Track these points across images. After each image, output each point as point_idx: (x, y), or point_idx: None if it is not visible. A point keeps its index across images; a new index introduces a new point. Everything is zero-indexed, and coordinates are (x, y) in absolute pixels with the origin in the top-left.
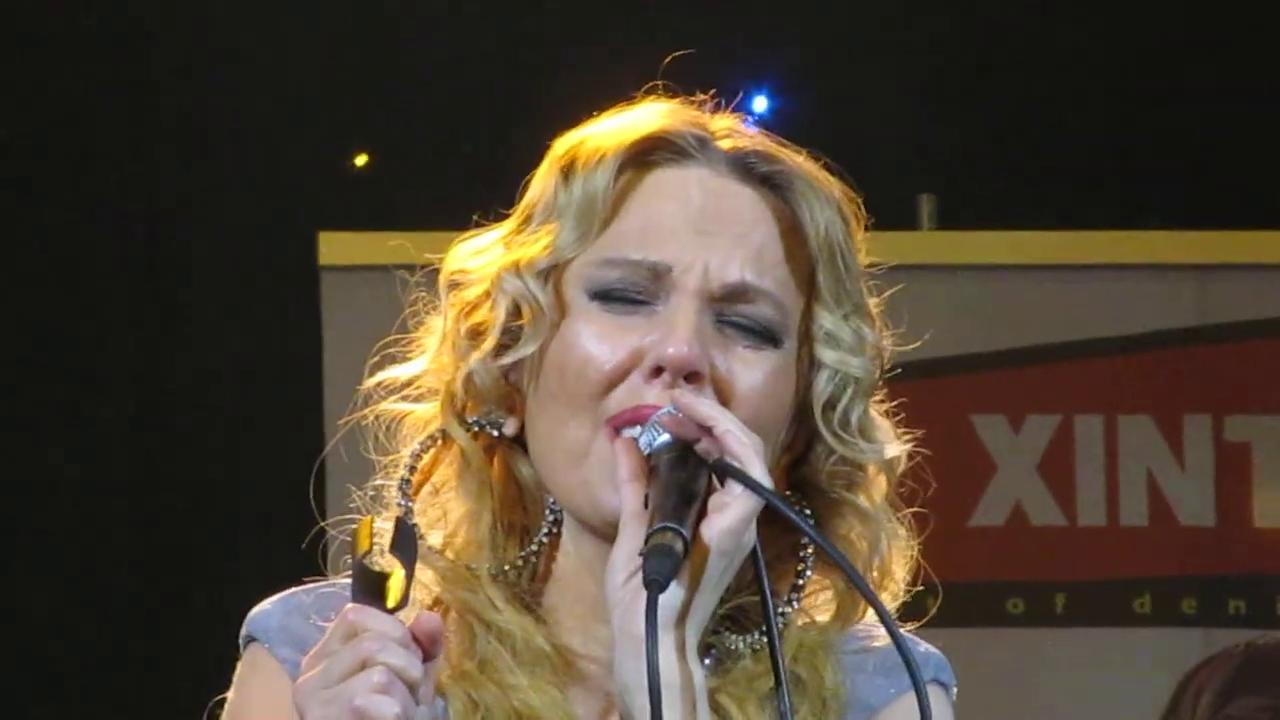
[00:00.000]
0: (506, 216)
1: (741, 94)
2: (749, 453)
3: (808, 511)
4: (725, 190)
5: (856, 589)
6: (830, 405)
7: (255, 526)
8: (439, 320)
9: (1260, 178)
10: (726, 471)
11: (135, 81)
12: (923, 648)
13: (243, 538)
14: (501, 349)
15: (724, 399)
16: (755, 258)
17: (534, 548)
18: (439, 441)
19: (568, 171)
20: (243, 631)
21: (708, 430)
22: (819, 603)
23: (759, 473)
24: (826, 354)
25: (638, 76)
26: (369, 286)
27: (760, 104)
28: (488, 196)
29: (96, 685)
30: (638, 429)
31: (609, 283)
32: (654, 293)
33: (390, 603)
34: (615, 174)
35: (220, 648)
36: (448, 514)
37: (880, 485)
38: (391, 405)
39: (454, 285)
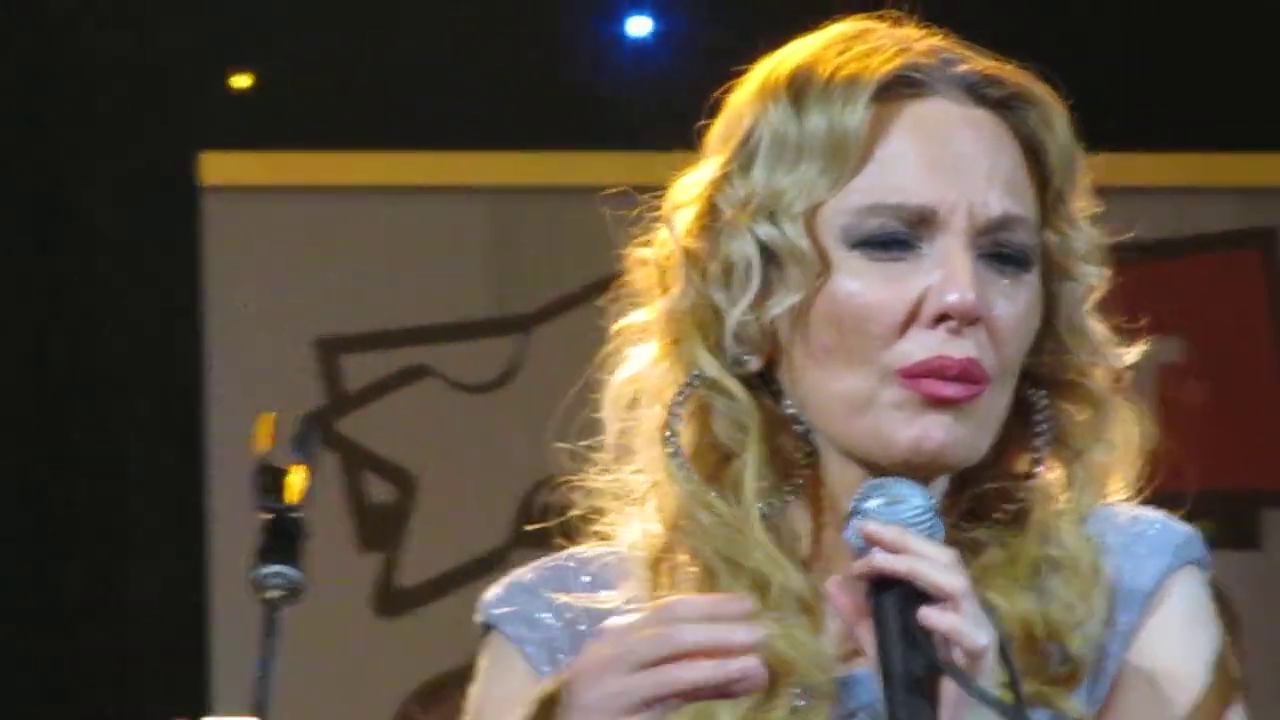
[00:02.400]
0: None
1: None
2: (969, 628)
3: (1045, 401)
4: (968, 120)
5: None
6: (1068, 315)
7: (136, 450)
8: (650, 256)
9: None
10: (950, 675)
11: None
12: (1180, 528)
13: (129, 464)
14: (757, 297)
15: (993, 336)
16: (1009, 186)
17: (799, 481)
18: (691, 388)
19: (800, 103)
20: (477, 619)
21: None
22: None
23: (980, 636)
24: (1065, 265)
25: None
26: (252, 208)
27: (640, 26)
28: (375, 115)
29: None
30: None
31: (870, 231)
32: (917, 235)
33: (292, 499)
34: (866, 111)
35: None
36: (705, 460)
37: (1106, 375)
38: (637, 352)
39: (677, 222)
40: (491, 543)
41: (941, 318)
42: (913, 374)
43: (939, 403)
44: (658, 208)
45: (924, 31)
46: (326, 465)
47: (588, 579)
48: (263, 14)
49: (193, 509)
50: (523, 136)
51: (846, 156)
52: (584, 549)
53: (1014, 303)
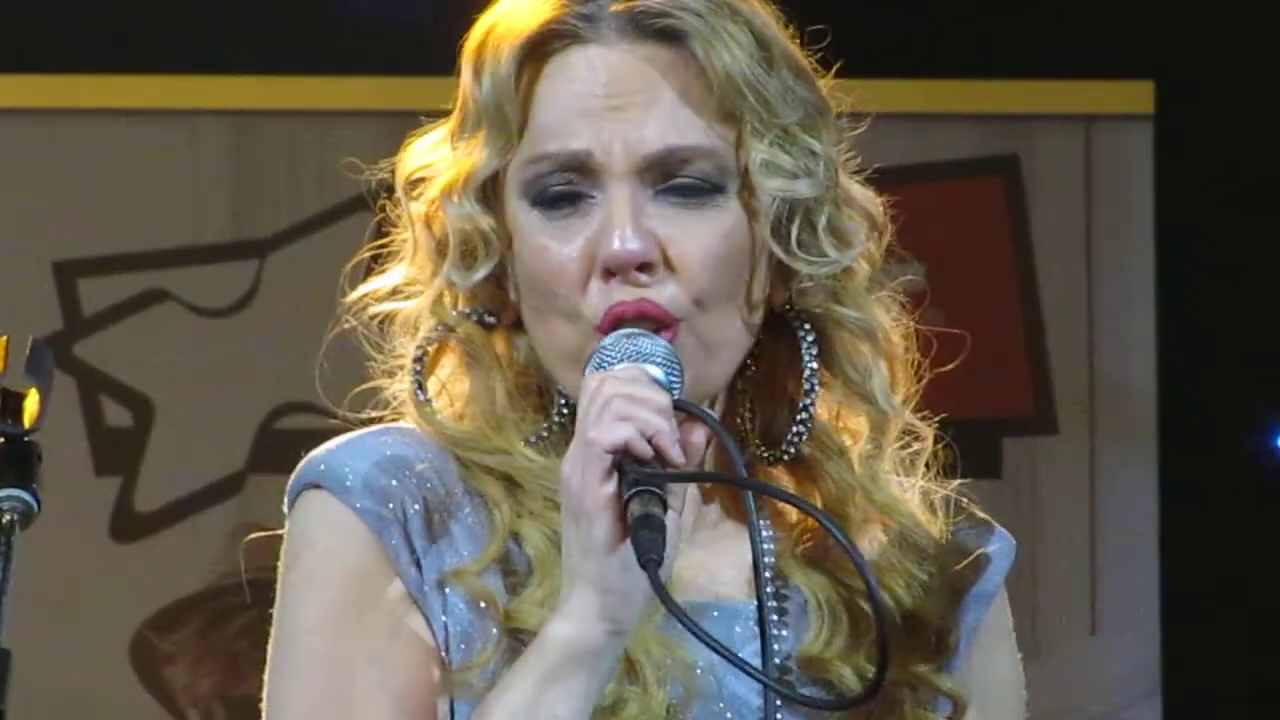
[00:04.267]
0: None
1: None
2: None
3: (809, 328)
4: (625, 58)
5: (835, 539)
6: (785, 231)
7: None
8: (397, 213)
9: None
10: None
11: None
12: (1007, 536)
13: None
14: (469, 264)
15: (679, 271)
16: (671, 118)
17: (556, 419)
18: (437, 337)
19: (478, 71)
20: (301, 480)
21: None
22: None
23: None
24: (768, 183)
25: None
26: None
27: None
28: (112, 37)
29: None
30: (617, 339)
31: (539, 185)
32: (588, 185)
33: (27, 423)
34: (516, 74)
35: None
36: (455, 400)
37: (863, 284)
38: (381, 307)
39: (413, 186)
40: (229, 467)
41: (611, 272)
42: (602, 329)
43: None
44: (398, 133)
45: None
46: (63, 389)
47: (427, 455)
48: None
49: None
50: (260, 60)
51: (507, 120)
52: (391, 426)
53: (701, 237)
